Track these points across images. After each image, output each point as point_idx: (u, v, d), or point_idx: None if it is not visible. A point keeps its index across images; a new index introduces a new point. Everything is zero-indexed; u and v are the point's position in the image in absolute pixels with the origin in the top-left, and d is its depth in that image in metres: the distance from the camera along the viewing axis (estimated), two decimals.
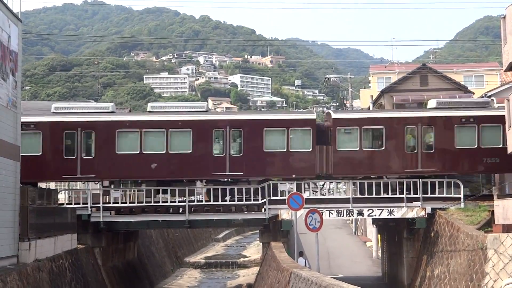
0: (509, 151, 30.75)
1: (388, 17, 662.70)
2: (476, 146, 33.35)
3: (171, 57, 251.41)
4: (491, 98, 40.72)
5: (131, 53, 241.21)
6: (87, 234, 33.28)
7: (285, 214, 32.39)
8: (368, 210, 33.62)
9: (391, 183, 33.95)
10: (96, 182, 36.41)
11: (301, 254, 30.29)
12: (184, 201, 33.82)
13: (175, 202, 34.68)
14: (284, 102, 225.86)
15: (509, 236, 23.50)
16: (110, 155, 33.33)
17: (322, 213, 28.03)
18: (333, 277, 20.79)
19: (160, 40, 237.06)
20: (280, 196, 33.09)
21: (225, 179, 34.63)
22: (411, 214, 32.88)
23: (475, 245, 24.88)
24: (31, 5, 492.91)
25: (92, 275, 31.46)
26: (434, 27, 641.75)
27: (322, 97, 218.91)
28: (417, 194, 33.23)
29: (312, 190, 34.84)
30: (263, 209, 33.70)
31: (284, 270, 23.29)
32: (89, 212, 33.06)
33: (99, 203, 33.08)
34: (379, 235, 45.89)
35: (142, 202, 34.31)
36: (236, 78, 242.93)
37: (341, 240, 55.59)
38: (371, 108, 49.21)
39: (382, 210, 33.34)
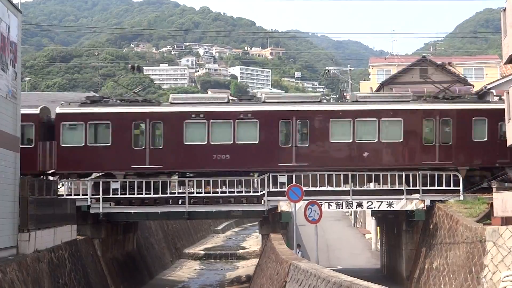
0: (508, 143, 30.78)
1: (388, 9, 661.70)
2: None
3: (171, 48, 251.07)
4: (491, 90, 40.76)
5: (131, 45, 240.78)
6: (86, 225, 33.32)
7: (284, 206, 32.44)
8: (367, 202, 33.69)
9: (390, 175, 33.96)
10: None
11: (298, 246, 30.39)
12: (183, 193, 33.90)
13: (174, 193, 34.74)
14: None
15: (508, 229, 23.54)
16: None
17: (322, 205, 28.07)
18: (332, 269, 20.82)
19: (160, 32, 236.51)
20: (280, 188, 33.16)
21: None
22: (410, 207, 32.94)
23: (474, 238, 24.92)
24: None
25: (91, 266, 31.52)
26: (434, 19, 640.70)
27: (322, 89, 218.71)
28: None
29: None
30: (262, 201, 33.77)
31: (283, 261, 23.33)
32: (89, 203, 33.10)
33: (98, 194, 33.17)
34: (378, 227, 45.95)
35: (142, 194, 34.36)
36: (236, 70, 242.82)
37: (340, 232, 55.65)
38: None
39: (381, 202, 33.40)
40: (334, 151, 34.20)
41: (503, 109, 33.01)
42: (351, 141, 34.15)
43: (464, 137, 34.14)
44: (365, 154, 34.12)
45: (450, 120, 34.26)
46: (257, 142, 33.77)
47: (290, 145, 34.10)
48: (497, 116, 33.80)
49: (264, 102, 35.11)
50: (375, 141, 34.17)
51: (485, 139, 34.07)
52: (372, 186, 35.34)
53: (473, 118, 34.22)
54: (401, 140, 34.15)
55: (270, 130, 34.15)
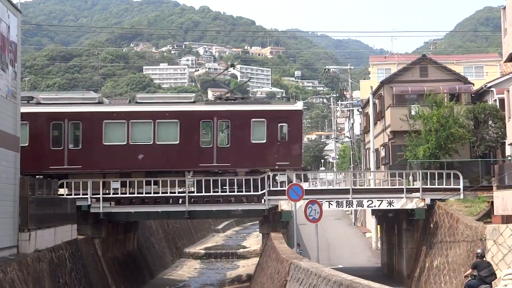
0: (508, 142, 30.77)
1: (388, 8, 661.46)
2: None
3: (170, 48, 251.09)
4: (491, 89, 40.74)
5: (131, 44, 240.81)
6: (87, 224, 33.30)
7: (284, 205, 32.43)
8: (367, 201, 33.67)
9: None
10: None
11: (297, 245, 30.42)
12: (184, 192, 33.88)
13: (174, 193, 34.74)
14: (284, 93, 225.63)
15: (508, 227, 23.55)
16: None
17: (322, 204, 28.04)
18: (332, 268, 20.82)
19: (160, 31, 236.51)
20: (280, 187, 33.13)
21: None
22: (410, 205, 32.93)
23: (474, 236, 24.93)
24: None
25: (92, 265, 31.51)
26: (434, 18, 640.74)
27: (321, 88, 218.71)
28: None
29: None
30: (262, 200, 33.74)
31: (284, 260, 23.33)
32: (89, 202, 33.07)
33: (99, 194, 33.13)
34: (378, 226, 45.95)
35: (142, 193, 34.34)
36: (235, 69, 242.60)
37: (341, 231, 55.63)
38: (371, 100, 49.12)
39: (382, 201, 33.38)
40: (108, 153, 33.84)
41: (283, 110, 33.55)
42: (125, 143, 33.97)
43: (242, 139, 34.04)
44: (140, 156, 33.86)
45: (228, 121, 34.13)
46: (26, 144, 32.55)
47: (62, 148, 33.76)
48: (277, 117, 33.96)
49: (38, 103, 34.55)
50: (151, 143, 33.99)
51: (264, 141, 34.04)
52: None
53: (252, 119, 34.13)
54: (178, 142, 33.98)
55: (41, 132, 33.59)
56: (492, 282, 20.52)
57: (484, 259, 20.61)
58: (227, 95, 36.65)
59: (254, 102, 36.49)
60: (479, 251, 20.93)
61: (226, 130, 34.29)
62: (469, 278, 20.20)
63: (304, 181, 33.80)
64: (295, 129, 34.41)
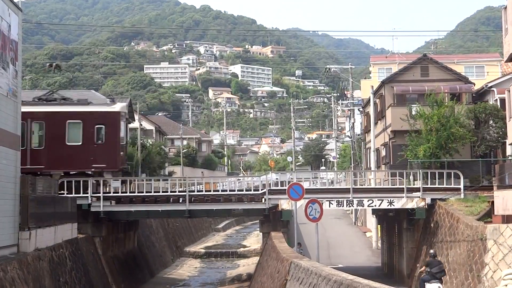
0: (508, 141, 30.73)
1: (389, 7, 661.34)
2: None
3: (171, 47, 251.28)
4: (492, 89, 40.74)
5: (132, 43, 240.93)
6: (87, 223, 33.33)
7: (285, 204, 32.42)
8: (368, 201, 33.65)
9: None
10: None
11: (298, 245, 30.43)
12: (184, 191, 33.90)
13: (175, 191, 34.77)
14: (285, 92, 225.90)
15: (509, 227, 23.53)
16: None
17: (322, 203, 28.01)
18: (332, 267, 20.81)
19: (161, 30, 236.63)
20: (280, 186, 33.14)
21: None
22: (411, 205, 32.91)
23: (475, 236, 24.91)
24: None
25: (92, 264, 31.52)
26: (435, 17, 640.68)
27: (322, 88, 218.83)
28: None
29: None
30: (263, 199, 33.75)
31: (284, 260, 23.32)
32: (90, 201, 33.10)
33: (99, 193, 33.13)
34: (379, 226, 45.93)
35: (142, 192, 34.35)
36: (236, 68, 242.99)
37: (341, 230, 55.60)
38: (371, 99, 49.10)
39: (382, 200, 33.36)
40: None
41: (100, 112, 33.61)
42: None
43: (57, 141, 33.60)
44: None
45: (43, 123, 33.64)
46: None
47: None
48: (94, 119, 33.68)
49: None
50: None
51: (80, 143, 33.74)
52: None
53: (68, 121, 33.78)
54: None
55: None
56: (492, 282, 20.63)
57: (436, 258, 23.53)
58: (47, 95, 36.02)
59: (74, 103, 35.91)
60: (431, 251, 24.13)
61: (40, 131, 33.74)
62: (424, 274, 23.29)
63: (122, 183, 33.58)
64: (112, 131, 34.04)
